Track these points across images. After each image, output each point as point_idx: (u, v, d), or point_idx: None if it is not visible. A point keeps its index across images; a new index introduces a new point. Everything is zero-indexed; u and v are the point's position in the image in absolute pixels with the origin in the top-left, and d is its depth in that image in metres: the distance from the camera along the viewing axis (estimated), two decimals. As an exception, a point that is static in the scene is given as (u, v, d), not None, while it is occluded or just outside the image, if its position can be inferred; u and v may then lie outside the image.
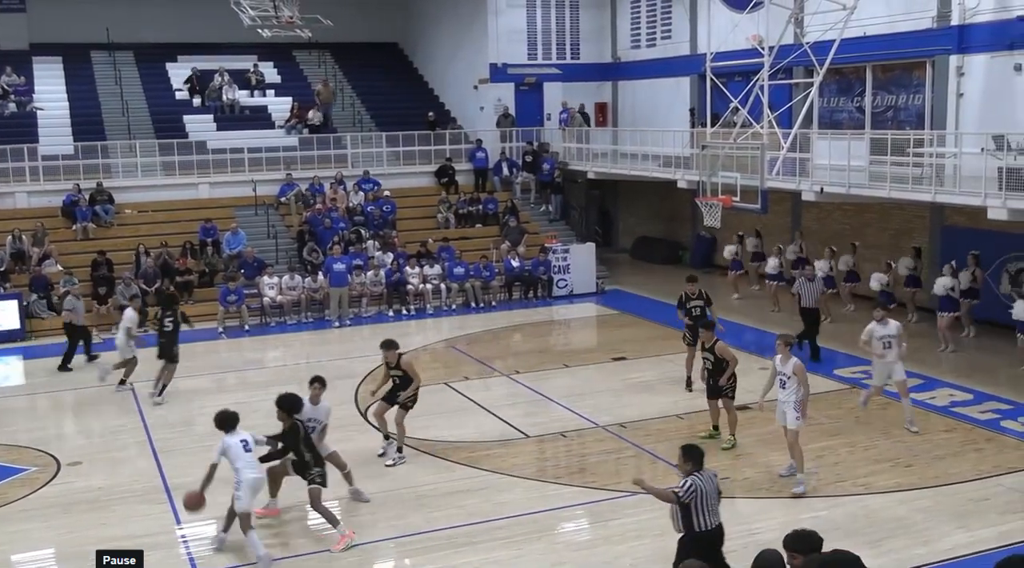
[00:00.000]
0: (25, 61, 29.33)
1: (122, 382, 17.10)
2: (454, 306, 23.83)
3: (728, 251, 24.43)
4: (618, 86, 31.00)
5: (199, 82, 29.75)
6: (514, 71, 30.05)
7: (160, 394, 16.34)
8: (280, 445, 10.90)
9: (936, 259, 20.53)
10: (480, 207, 27.20)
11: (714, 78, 21.50)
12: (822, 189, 19.75)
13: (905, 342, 13.91)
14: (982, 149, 16.85)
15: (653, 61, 29.16)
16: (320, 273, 23.11)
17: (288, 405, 10.84)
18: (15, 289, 21.89)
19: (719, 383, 13.47)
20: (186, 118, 28.77)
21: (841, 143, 19.63)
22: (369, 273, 23.32)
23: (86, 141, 26.12)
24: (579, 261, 25.26)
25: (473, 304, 23.87)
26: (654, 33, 29.25)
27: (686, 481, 8.43)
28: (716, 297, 17.54)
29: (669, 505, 8.64)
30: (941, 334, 18.42)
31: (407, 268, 23.61)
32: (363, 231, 25.23)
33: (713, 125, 22.05)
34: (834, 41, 19.57)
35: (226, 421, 10.56)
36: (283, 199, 26.08)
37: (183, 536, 11.11)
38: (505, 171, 28.61)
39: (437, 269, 24.14)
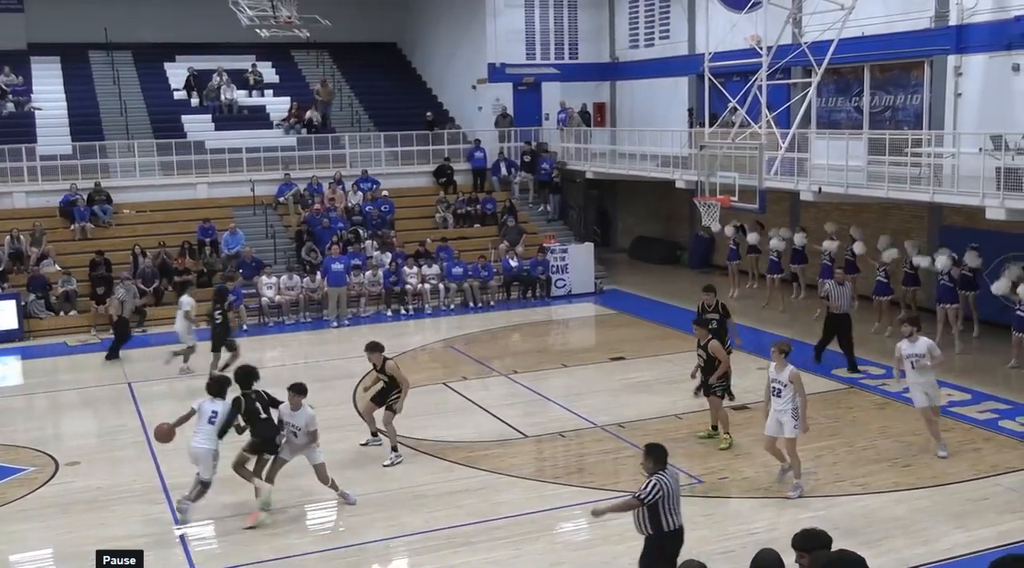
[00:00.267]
0: (23, 61, 29.28)
1: (184, 367, 17.72)
2: (452, 306, 23.83)
3: (728, 231, 23.47)
4: (616, 86, 31.01)
5: (197, 82, 29.73)
6: (512, 71, 30.05)
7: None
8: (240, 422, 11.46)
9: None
10: (478, 207, 27.20)
11: (712, 78, 21.50)
12: (820, 189, 19.76)
13: (934, 362, 12.76)
14: (980, 149, 16.86)
15: (651, 61, 29.16)
16: (318, 273, 23.11)
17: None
18: (13, 289, 21.88)
19: (709, 382, 13.48)
20: (184, 118, 28.74)
21: (839, 143, 19.64)
22: (367, 273, 23.33)
23: (84, 141, 26.10)
24: (577, 261, 25.26)
25: (471, 304, 23.87)
26: (652, 33, 29.27)
27: (649, 482, 8.30)
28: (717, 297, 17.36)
29: (633, 514, 8.48)
30: (940, 329, 18.26)
31: (405, 268, 23.62)
32: (361, 231, 25.23)
33: (711, 125, 22.06)
34: (832, 41, 19.59)
35: (212, 386, 11.55)
36: (281, 199, 26.08)
37: (183, 536, 11.10)
38: (503, 171, 28.62)
39: (435, 269, 24.15)
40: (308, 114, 28.86)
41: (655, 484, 8.27)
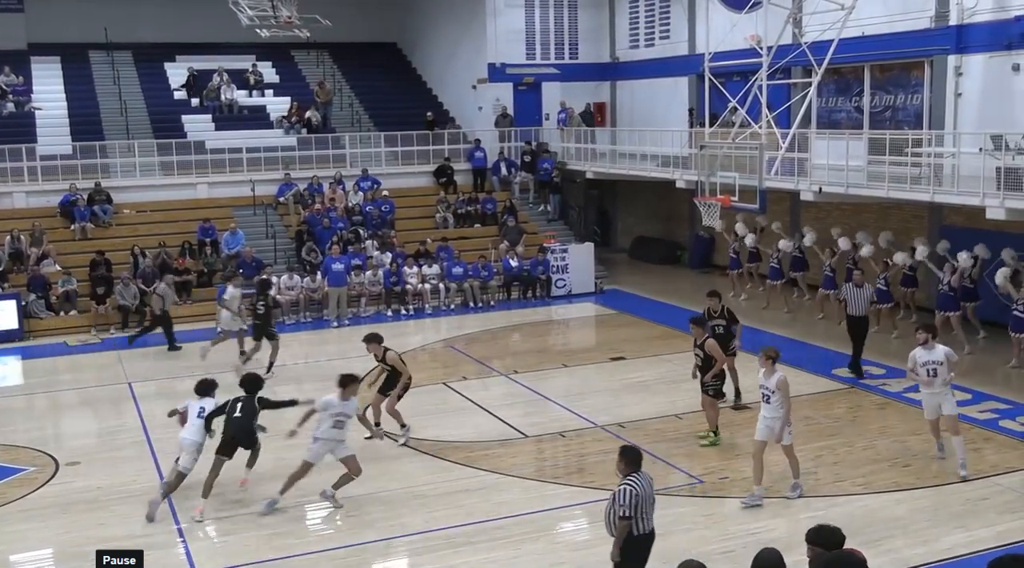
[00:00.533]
0: (23, 61, 29.29)
1: (243, 355, 17.91)
2: (452, 306, 23.82)
3: (739, 228, 23.29)
4: (616, 86, 31.01)
5: (197, 82, 29.74)
6: (512, 71, 30.06)
7: (268, 370, 17.02)
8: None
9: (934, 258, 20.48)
10: (479, 207, 27.20)
11: (712, 78, 21.50)
12: (820, 189, 19.75)
13: (954, 371, 12.48)
14: (980, 149, 16.86)
15: (651, 61, 29.16)
16: (319, 273, 23.11)
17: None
18: (13, 289, 21.88)
19: (703, 380, 13.50)
20: (184, 118, 28.75)
21: (839, 143, 19.63)
22: (368, 273, 23.32)
23: (84, 141, 26.10)
24: (577, 261, 25.25)
25: (472, 304, 23.86)
26: (652, 33, 29.27)
27: (624, 492, 8.23)
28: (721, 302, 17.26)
29: (606, 513, 8.46)
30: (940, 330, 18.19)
31: (405, 268, 23.62)
32: (362, 231, 25.22)
33: (711, 125, 22.05)
34: (832, 41, 19.59)
35: (199, 387, 12.12)
36: (282, 199, 26.08)
37: (182, 536, 11.10)
38: (503, 171, 28.62)
39: (436, 269, 24.15)
40: (308, 114, 28.87)
41: (631, 492, 8.25)
